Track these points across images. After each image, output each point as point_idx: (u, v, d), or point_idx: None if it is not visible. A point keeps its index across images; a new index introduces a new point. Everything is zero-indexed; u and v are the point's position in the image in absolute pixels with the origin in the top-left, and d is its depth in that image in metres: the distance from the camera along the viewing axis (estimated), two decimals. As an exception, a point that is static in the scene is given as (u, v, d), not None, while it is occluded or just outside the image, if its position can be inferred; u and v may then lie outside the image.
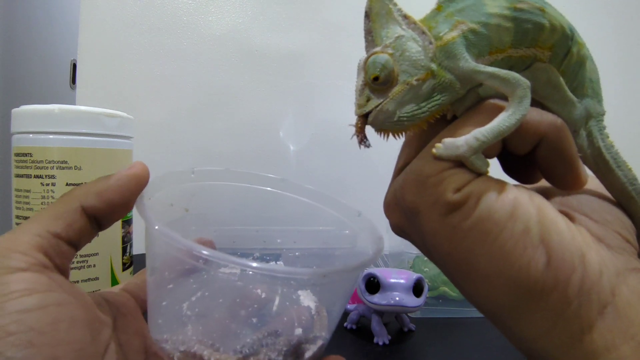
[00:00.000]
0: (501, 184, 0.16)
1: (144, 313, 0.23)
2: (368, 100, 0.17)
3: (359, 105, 0.18)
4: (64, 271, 0.19)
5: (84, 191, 0.20)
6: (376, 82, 0.17)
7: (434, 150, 0.16)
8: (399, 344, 0.40)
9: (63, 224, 0.19)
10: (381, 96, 0.17)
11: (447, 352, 0.40)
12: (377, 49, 0.17)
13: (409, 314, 0.44)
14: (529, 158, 0.17)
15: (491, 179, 0.16)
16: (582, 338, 0.14)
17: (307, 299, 0.29)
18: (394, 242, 0.56)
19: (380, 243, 0.24)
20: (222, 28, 0.71)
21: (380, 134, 0.18)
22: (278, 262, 0.33)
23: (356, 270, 0.20)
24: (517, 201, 0.15)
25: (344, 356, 0.21)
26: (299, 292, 0.27)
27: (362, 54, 0.18)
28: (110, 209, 0.20)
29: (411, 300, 0.38)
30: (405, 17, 0.17)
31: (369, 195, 0.78)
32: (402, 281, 0.39)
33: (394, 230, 0.20)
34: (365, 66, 0.17)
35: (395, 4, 0.17)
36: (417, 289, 0.39)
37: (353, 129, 0.18)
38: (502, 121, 0.16)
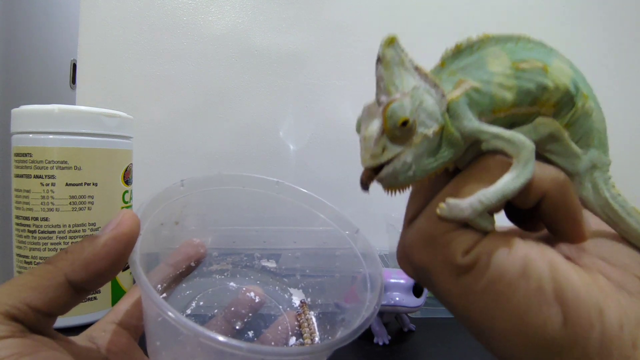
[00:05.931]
0: (510, 240, 0.16)
1: (142, 337, 0.23)
2: (384, 150, 0.16)
3: (374, 156, 0.16)
4: (45, 332, 0.19)
5: (70, 262, 0.19)
6: (404, 127, 0.16)
7: (438, 211, 0.16)
8: (399, 344, 0.40)
9: (45, 299, 0.18)
10: (400, 146, 0.16)
11: (447, 352, 0.40)
12: (397, 96, 0.16)
13: (409, 314, 0.44)
14: (533, 209, 0.17)
15: (499, 235, 0.16)
16: None
17: (298, 299, 0.29)
18: (393, 242, 0.55)
19: (378, 297, 0.23)
20: (222, 28, 0.71)
21: (388, 191, 0.17)
22: (278, 260, 0.33)
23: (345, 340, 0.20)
24: (527, 258, 0.15)
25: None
26: (290, 289, 0.27)
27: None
28: (98, 278, 0.19)
29: (411, 301, 0.38)
30: (417, 68, 0.17)
31: (368, 196, 0.78)
32: (401, 281, 0.39)
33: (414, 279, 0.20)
34: (385, 112, 0.16)
35: (406, 54, 0.17)
36: (417, 289, 0.39)
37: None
38: (506, 184, 0.15)
